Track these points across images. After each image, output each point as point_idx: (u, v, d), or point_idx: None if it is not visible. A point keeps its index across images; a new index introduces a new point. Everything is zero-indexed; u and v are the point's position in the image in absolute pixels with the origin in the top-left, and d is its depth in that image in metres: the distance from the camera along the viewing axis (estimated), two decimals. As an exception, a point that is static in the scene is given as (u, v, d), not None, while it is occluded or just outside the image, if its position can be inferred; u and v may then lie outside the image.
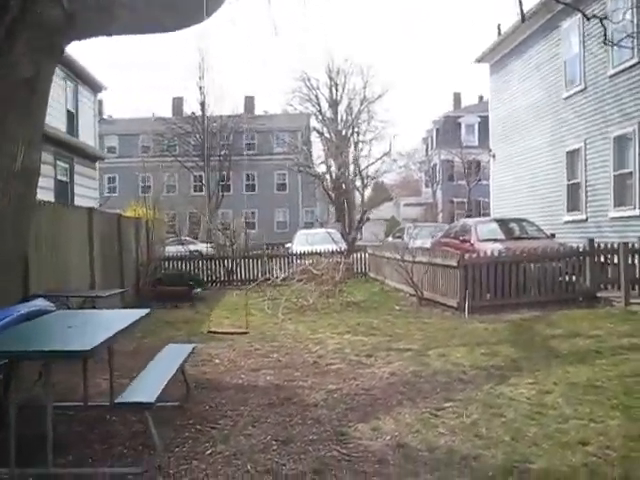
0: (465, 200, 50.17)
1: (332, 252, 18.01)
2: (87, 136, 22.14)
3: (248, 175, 55.04)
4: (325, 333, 10.54)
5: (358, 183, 44.14)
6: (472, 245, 15.07)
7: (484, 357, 8.24)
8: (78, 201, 19.39)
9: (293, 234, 27.90)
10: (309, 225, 45.59)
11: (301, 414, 5.96)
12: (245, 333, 10.65)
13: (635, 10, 14.36)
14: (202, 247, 27.54)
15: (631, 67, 14.92)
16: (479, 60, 24.43)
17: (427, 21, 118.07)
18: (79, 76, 21.19)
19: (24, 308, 6.52)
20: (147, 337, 10.43)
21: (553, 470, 4.53)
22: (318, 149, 48.71)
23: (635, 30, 14.04)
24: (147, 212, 18.93)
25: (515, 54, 21.70)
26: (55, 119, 18.19)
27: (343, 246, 21.19)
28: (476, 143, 50.75)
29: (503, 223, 17.21)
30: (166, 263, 19.48)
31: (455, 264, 12.65)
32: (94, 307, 10.34)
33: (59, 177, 18.94)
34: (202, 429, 5.59)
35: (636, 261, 12.96)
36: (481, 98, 55.32)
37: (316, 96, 48.92)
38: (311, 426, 5.61)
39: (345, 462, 4.78)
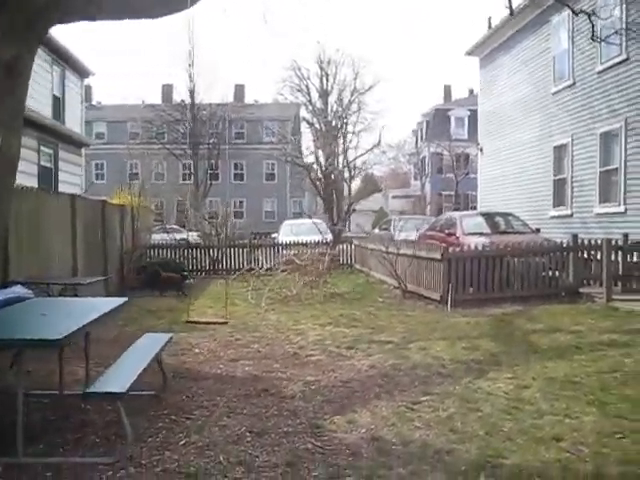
0: (453, 193, 50.23)
1: (317, 243, 17.99)
2: (73, 122, 21.96)
3: (237, 164, 54.90)
4: (307, 324, 10.52)
5: (346, 174, 44.11)
6: (457, 238, 15.08)
7: (464, 351, 8.24)
8: (63, 187, 19.25)
9: (281, 224, 27.85)
10: (297, 215, 45.51)
11: (277, 406, 5.94)
12: (224, 323, 10.62)
13: (624, 6, 14.37)
14: (190, 236, 27.48)
15: (619, 64, 14.96)
16: (469, 53, 24.42)
17: (419, 13, 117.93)
18: (66, 61, 21.00)
19: (1, 295, 6.48)
20: (129, 325, 10.40)
21: (525, 466, 4.52)
22: (307, 139, 48.60)
23: (623, 26, 14.04)
24: (133, 199, 18.80)
25: (505, 48, 21.69)
26: (40, 104, 18.03)
27: (329, 237, 21.16)
28: (466, 136, 50.79)
29: (489, 217, 17.23)
30: (151, 251, 19.40)
31: (439, 257, 12.65)
32: (76, 295, 10.28)
33: (43, 163, 18.78)
34: (177, 419, 5.55)
35: (619, 258, 13.01)
36: (471, 91, 55.30)
37: (307, 86, 48.79)
38: (287, 418, 5.59)
39: (318, 455, 4.76)
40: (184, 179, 52.09)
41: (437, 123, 55.37)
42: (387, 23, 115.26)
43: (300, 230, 21.58)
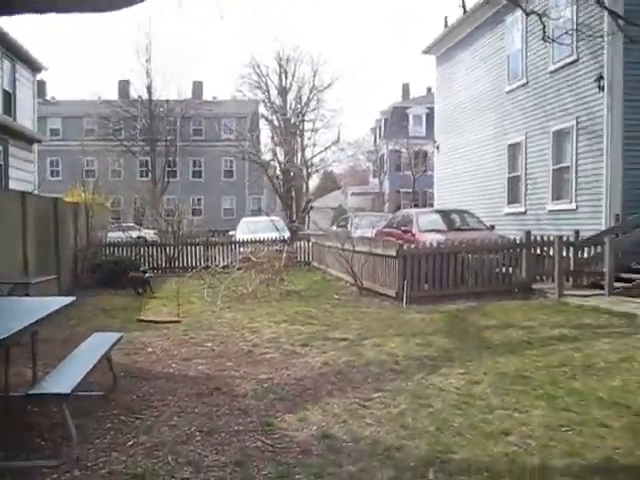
0: (411, 190, 50.56)
1: (274, 240, 17.93)
2: (25, 118, 21.50)
3: (195, 161, 54.51)
4: (262, 322, 10.48)
5: (305, 172, 44.10)
6: (413, 235, 15.18)
7: (418, 347, 8.30)
8: (13, 184, 18.85)
9: (239, 222, 27.68)
10: (256, 213, 45.36)
11: (229, 404, 5.89)
12: (177, 322, 10.52)
13: (574, 8, 14.61)
14: (147, 233, 27.19)
15: (570, 64, 15.21)
16: (426, 52, 24.57)
17: (377, 11, 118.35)
18: (17, 55, 20.53)
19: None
20: (81, 325, 10.22)
21: (474, 460, 4.56)
22: (266, 137, 48.51)
23: (573, 27, 14.27)
24: (86, 196, 18.50)
25: (461, 47, 21.89)
26: (-11, 99, 17.62)
27: (286, 234, 21.12)
28: (424, 134, 51.17)
29: (444, 214, 17.39)
30: (107, 249, 19.14)
31: (394, 254, 12.71)
32: (27, 294, 10.05)
33: (-8, 159, 18.36)
34: (126, 420, 5.47)
35: (570, 254, 13.26)
36: (429, 90, 55.74)
37: (265, 83, 48.69)
38: (237, 416, 5.55)
39: (268, 453, 4.73)
40: (141, 176, 51.47)
41: (395, 121, 55.67)
42: (345, 21, 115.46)
43: (258, 227, 21.49)
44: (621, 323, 9.63)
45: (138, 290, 14.27)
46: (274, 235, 19.04)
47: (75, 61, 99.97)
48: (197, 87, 57.88)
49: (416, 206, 43.60)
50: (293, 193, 39.38)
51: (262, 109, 50.22)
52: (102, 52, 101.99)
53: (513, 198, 18.21)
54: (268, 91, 48.68)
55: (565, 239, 13.18)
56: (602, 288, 12.27)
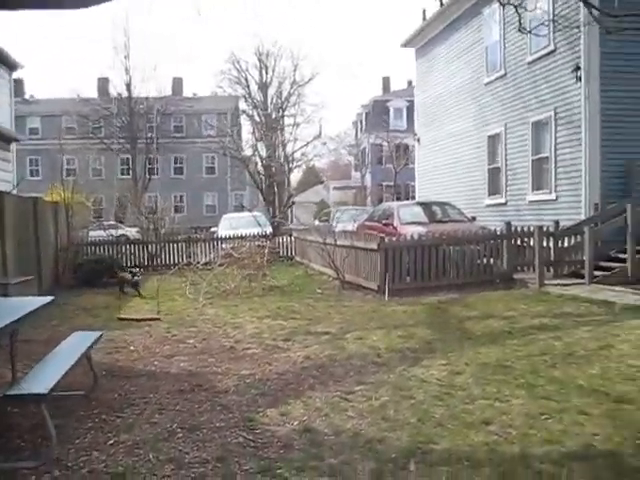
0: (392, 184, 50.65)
1: (256, 236, 17.90)
2: (2, 117, 21.25)
3: (176, 158, 54.21)
4: (245, 317, 10.47)
5: (287, 166, 44.04)
6: (395, 228, 15.21)
7: (400, 339, 8.32)
8: (-9, 185, 18.63)
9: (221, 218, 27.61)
10: (238, 209, 45.22)
11: (211, 401, 5.89)
12: (157, 319, 10.48)
13: (550, -1, 14.68)
14: (129, 232, 27.04)
15: (547, 55, 15.29)
16: (405, 45, 24.57)
17: (358, 4, 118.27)
18: (-8, 54, 20.27)
19: None
20: (62, 325, 10.15)
21: (455, 450, 4.59)
22: (247, 132, 48.44)
23: (550, 18, 14.34)
24: (66, 195, 18.35)
25: (440, 39, 21.92)
26: (-35, 99, 17.41)
27: (268, 230, 21.09)
28: (405, 127, 51.26)
29: (426, 206, 17.42)
30: (89, 248, 19.01)
31: (375, 247, 12.73)
32: (6, 294, 9.98)
33: (-33, 160, 18.15)
34: (107, 418, 5.44)
35: (551, 244, 13.35)
36: (410, 83, 55.72)
37: (245, 78, 48.50)
38: (219, 413, 5.54)
39: (250, 448, 4.73)
40: (122, 174, 51.15)
41: (376, 114, 55.68)
42: (325, 15, 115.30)
43: (240, 223, 21.44)
44: (600, 311, 9.72)
45: (124, 290, 14.10)
46: (256, 231, 19.02)
47: (53, 59, 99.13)
48: (177, 83, 57.57)
49: (398, 199, 43.67)
50: (275, 188, 39.29)
51: (243, 105, 50.09)
52: (80, 50, 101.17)
53: (494, 189, 18.29)
54: (248, 86, 48.55)
55: (545, 229, 13.27)
56: (582, 277, 12.38)
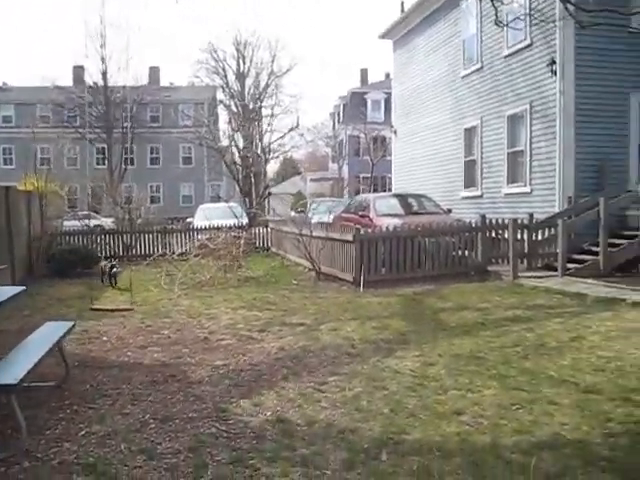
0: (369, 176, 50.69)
1: (232, 227, 17.84)
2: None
3: (152, 148, 53.76)
4: (220, 308, 10.43)
5: (263, 157, 43.88)
6: (371, 220, 15.24)
7: (374, 331, 8.35)
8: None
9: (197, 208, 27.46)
10: (215, 199, 45.00)
11: (184, 391, 5.87)
12: (130, 310, 10.41)
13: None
14: (105, 222, 26.78)
15: (523, 48, 15.39)
16: (383, 36, 24.58)
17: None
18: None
19: None
20: (35, 315, 10.02)
21: (426, 441, 4.62)
22: (224, 122, 48.15)
23: (526, 12, 14.42)
24: (40, 185, 18.11)
25: (418, 31, 21.94)
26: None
27: (244, 221, 21.03)
28: (382, 119, 51.32)
29: (402, 198, 17.47)
30: (63, 238, 18.80)
31: (351, 239, 12.76)
32: (-23, 284, 9.86)
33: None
34: (78, 409, 5.41)
35: (525, 236, 13.47)
36: (387, 75, 55.71)
37: (223, 68, 48.17)
38: (192, 403, 5.53)
39: (223, 439, 4.73)
40: (98, 164, 50.60)
41: (354, 106, 55.68)
42: (304, 6, 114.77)
43: (216, 214, 21.34)
44: (573, 303, 9.85)
45: (103, 279, 13.85)
46: (232, 221, 18.96)
47: (27, 47, 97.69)
48: (153, 73, 57.01)
49: (375, 191, 43.74)
50: (252, 179, 39.05)
51: (220, 95, 49.77)
52: (55, 38, 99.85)
53: (470, 182, 18.39)
54: (226, 76, 48.23)
55: (520, 222, 13.39)
56: (555, 269, 12.51)
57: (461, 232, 13.74)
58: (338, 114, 62.37)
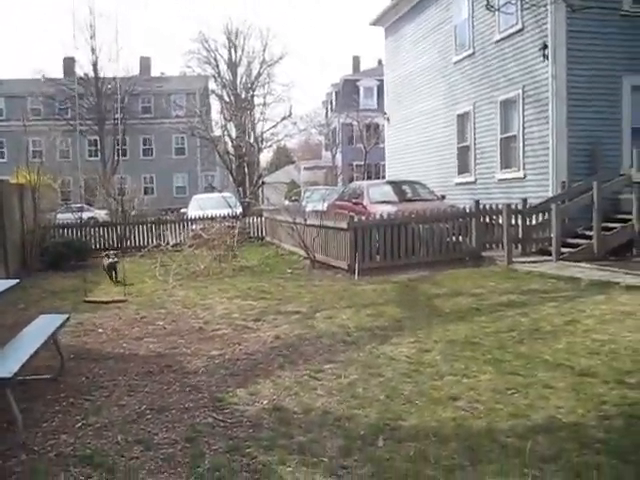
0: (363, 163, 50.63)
1: (226, 217, 17.82)
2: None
3: (145, 139, 53.57)
4: (214, 298, 10.42)
5: (256, 147, 43.83)
6: (365, 207, 15.23)
7: (369, 318, 8.37)
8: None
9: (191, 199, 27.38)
10: (209, 190, 44.94)
11: (180, 381, 5.87)
12: (123, 301, 10.40)
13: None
14: (99, 214, 26.70)
15: (515, 33, 15.34)
16: (374, 23, 24.49)
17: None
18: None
19: None
20: (29, 308, 10.01)
21: (422, 426, 4.64)
22: (217, 112, 47.99)
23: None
24: (32, 178, 18.02)
25: (409, 17, 21.85)
26: None
27: (238, 210, 20.98)
28: (375, 106, 51.15)
29: (396, 185, 17.45)
30: (57, 231, 18.73)
31: (345, 227, 12.75)
32: (-30, 278, 9.84)
33: None
34: (75, 402, 5.41)
35: (519, 221, 13.48)
36: (380, 62, 55.49)
37: (215, 58, 48.06)
38: (188, 393, 5.53)
39: (219, 428, 4.73)
40: (90, 156, 50.41)
41: (346, 94, 55.53)
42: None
43: (209, 204, 21.26)
44: (567, 288, 9.87)
45: (111, 276, 13.43)
46: (226, 211, 18.91)
47: (16, 39, 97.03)
48: (144, 63, 56.73)
49: (369, 178, 43.67)
50: (245, 169, 39.01)
51: (212, 84, 49.67)
52: (45, 29, 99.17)
53: (463, 168, 18.38)
54: (217, 66, 48.13)
55: (513, 207, 13.40)
56: (549, 254, 12.54)
57: (455, 218, 13.75)
58: (331, 102, 62.20)
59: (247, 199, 24.73)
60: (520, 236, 13.47)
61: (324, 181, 50.83)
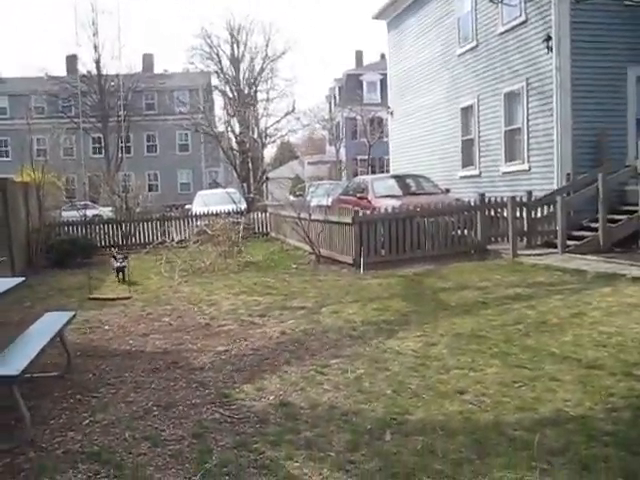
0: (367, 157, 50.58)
1: (230, 212, 17.82)
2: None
3: (148, 136, 53.59)
4: (220, 294, 10.41)
5: (260, 142, 43.83)
6: (369, 202, 15.22)
7: (375, 312, 8.35)
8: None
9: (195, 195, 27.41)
10: (213, 186, 44.97)
11: (186, 378, 5.87)
12: (128, 298, 10.41)
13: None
14: (103, 211, 26.74)
15: (519, 25, 15.26)
16: (377, 17, 24.38)
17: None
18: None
19: None
20: (36, 306, 10.05)
21: (430, 420, 4.64)
22: (220, 108, 48.00)
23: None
24: (37, 176, 18.05)
25: (411, 11, 21.76)
26: None
27: (243, 206, 21.00)
28: (379, 100, 51.06)
29: (400, 179, 17.43)
30: (62, 229, 18.78)
31: (350, 221, 12.74)
32: (-24, 277, 9.85)
33: None
34: (82, 399, 5.42)
35: (524, 214, 13.45)
36: (383, 56, 55.32)
37: (217, 54, 48.06)
38: (195, 389, 5.54)
39: (226, 424, 4.74)
40: (94, 153, 50.46)
41: (350, 88, 55.46)
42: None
43: (214, 200, 21.31)
44: (573, 280, 9.85)
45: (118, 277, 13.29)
46: (231, 207, 18.95)
47: (19, 37, 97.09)
48: (147, 60, 56.72)
49: (373, 173, 43.64)
50: (249, 164, 39.01)
51: (215, 80, 49.67)
52: (47, 27, 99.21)
53: (467, 161, 18.33)
54: (220, 62, 48.12)
55: (518, 200, 13.36)
56: (555, 247, 12.50)
57: (460, 211, 13.71)
58: (334, 97, 62.13)
59: (251, 195, 24.75)
60: (525, 229, 13.44)
61: (328, 176, 50.77)
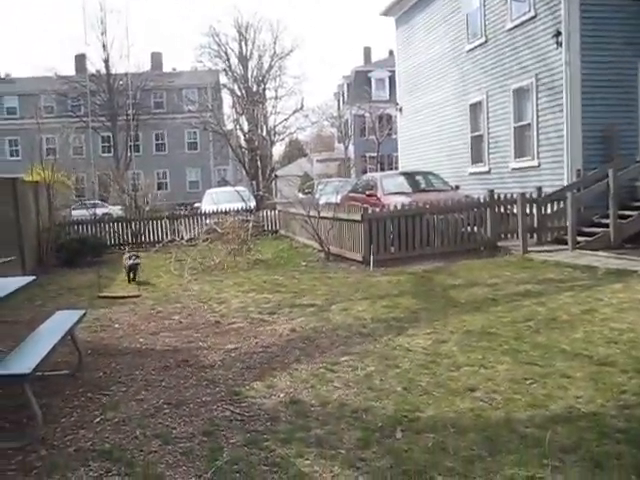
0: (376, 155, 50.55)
1: (239, 210, 17.83)
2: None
3: (157, 134, 53.74)
4: (230, 292, 10.42)
5: (268, 140, 43.87)
6: (378, 199, 15.19)
7: (385, 309, 8.34)
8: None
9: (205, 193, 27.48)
10: (222, 184, 45.05)
11: (196, 375, 5.88)
12: (138, 296, 10.44)
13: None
14: (113, 210, 26.85)
15: (528, 20, 15.20)
16: (385, 13, 24.33)
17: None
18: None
19: None
20: (47, 305, 10.09)
21: (440, 417, 4.62)
22: (229, 106, 48.10)
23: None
24: (47, 175, 18.11)
25: (419, 7, 21.70)
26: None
27: (252, 204, 21.01)
28: (387, 97, 51.08)
29: (409, 176, 17.41)
30: (72, 228, 18.84)
31: (359, 219, 12.73)
32: (-12, 276, 9.89)
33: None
34: (93, 397, 5.43)
35: (534, 210, 13.39)
36: (391, 52, 55.24)
37: (225, 52, 48.14)
38: (205, 387, 5.54)
39: (237, 422, 4.74)
40: (104, 152, 50.66)
41: (358, 85, 55.43)
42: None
43: (223, 198, 21.33)
44: (584, 276, 9.80)
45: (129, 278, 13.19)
46: (240, 205, 18.96)
47: (29, 37, 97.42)
48: (156, 58, 56.88)
49: (382, 170, 43.58)
50: (258, 162, 39.05)
51: (223, 79, 49.75)
52: (57, 27, 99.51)
53: (476, 158, 18.28)
54: (228, 60, 48.22)
55: (528, 196, 13.31)
56: (565, 243, 12.44)
57: (469, 208, 13.67)
58: (342, 94, 62.09)
59: (260, 192, 24.76)
60: (535, 225, 13.39)
61: (337, 173, 50.78)
